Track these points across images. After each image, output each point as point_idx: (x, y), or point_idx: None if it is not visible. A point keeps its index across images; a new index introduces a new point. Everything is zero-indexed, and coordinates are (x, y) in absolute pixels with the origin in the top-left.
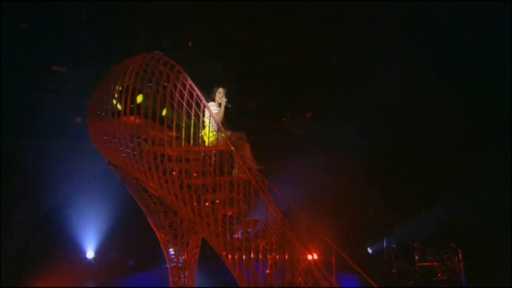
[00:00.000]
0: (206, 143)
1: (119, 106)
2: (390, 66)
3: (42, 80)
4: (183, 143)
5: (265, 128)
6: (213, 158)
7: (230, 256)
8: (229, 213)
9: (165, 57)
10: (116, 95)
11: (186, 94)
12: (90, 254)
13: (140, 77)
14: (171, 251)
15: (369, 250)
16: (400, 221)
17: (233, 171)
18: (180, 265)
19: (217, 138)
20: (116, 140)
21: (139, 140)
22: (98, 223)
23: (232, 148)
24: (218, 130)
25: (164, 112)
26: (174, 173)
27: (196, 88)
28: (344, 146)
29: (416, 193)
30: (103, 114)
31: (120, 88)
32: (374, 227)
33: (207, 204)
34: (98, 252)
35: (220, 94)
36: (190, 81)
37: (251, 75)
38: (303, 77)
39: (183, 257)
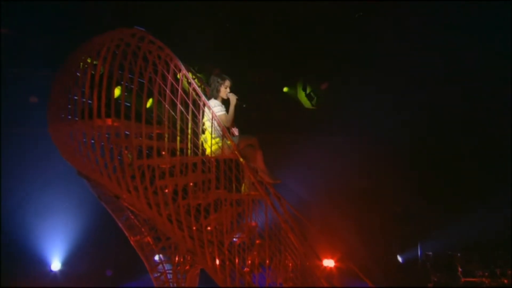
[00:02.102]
0: (207, 152)
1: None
2: (436, 30)
3: None
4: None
5: (270, 102)
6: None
7: None
8: (238, 241)
9: (149, 36)
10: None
11: (179, 89)
12: (55, 266)
13: (118, 61)
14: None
15: (399, 258)
16: (439, 223)
17: (242, 187)
18: (168, 273)
19: (221, 146)
20: (87, 150)
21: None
22: (65, 228)
23: (241, 159)
24: (223, 137)
25: (149, 103)
26: (166, 190)
27: (192, 80)
28: (370, 125)
29: (462, 189)
30: (69, 116)
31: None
32: (405, 228)
33: (209, 228)
34: (66, 263)
35: (226, 87)
36: (184, 70)
37: (252, 35)
38: (318, 38)
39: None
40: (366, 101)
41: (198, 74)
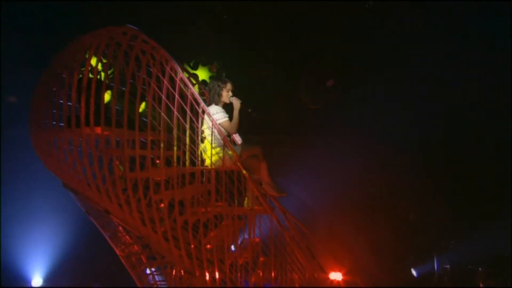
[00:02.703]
0: (207, 163)
1: None
2: (452, 28)
3: None
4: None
5: (271, 101)
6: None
7: None
8: (241, 261)
9: (142, 34)
10: None
11: (176, 94)
12: (37, 282)
13: (109, 62)
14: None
15: (413, 271)
16: (458, 233)
17: (245, 201)
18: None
19: (222, 157)
20: (73, 160)
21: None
22: (48, 240)
23: (244, 172)
24: (224, 146)
25: (142, 107)
26: (162, 205)
27: (189, 84)
28: (381, 126)
29: (484, 196)
30: (53, 122)
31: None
32: (419, 238)
33: (208, 247)
34: (48, 279)
35: (228, 91)
36: (181, 73)
37: (254, 30)
38: (325, 35)
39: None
40: (377, 101)
41: (192, 71)
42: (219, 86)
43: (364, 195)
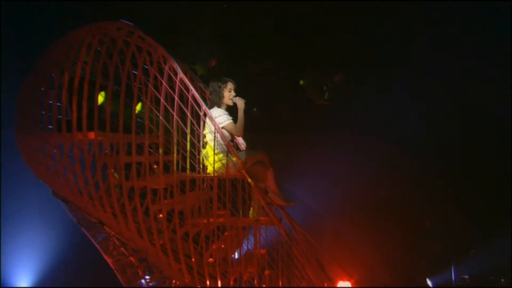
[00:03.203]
0: (209, 170)
1: None
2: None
3: None
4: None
5: (274, 99)
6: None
7: None
8: (246, 277)
9: (139, 31)
10: None
11: (176, 97)
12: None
13: (102, 59)
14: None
15: (428, 282)
16: (478, 240)
17: (250, 212)
18: None
19: (226, 164)
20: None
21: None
22: (36, 242)
23: (249, 180)
24: (228, 153)
25: (138, 108)
26: (160, 216)
27: (190, 85)
28: (394, 125)
29: (506, 201)
30: (41, 125)
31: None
32: (435, 246)
33: (210, 260)
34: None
35: (231, 91)
36: (181, 74)
37: (256, 22)
38: (330, 23)
39: None
40: (391, 99)
41: (192, 66)
42: (219, 86)
43: (375, 200)
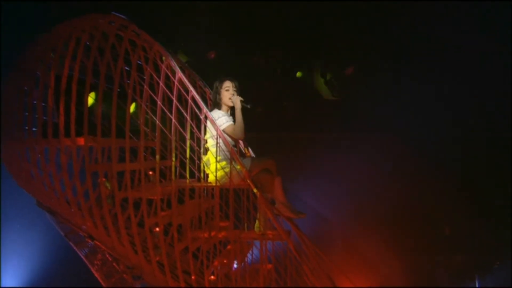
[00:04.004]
0: (210, 179)
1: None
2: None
3: None
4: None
5: (280, 94)
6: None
7: None
8: None
9: (133, 25)
10: None
11: (174, 99)
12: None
13: (92, 56)
14: None
15: None
16: (504, 249)
17: (255, 225)
18: None
19: (229, 172)
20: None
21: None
22: (36, 242)
23: (255, 190)
24: (231, 160)
25: (132, 109)
26: (157, 229)
27: (189, 85)
28: (412, 124)
29: None
30: (25, 128)
31: None
32: (456, 256)
33: (213, 278)
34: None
35: (229, 90)
36: (179, 73)
37: (259, 11)
38: (342, 10)
39: None
40: (409, 94)
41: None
42: (216, 86)
43: (390, 205)
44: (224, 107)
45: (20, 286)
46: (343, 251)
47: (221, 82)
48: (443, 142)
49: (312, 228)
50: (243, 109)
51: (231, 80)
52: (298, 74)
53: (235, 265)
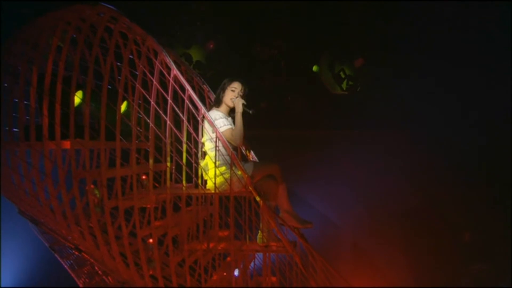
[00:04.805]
0: (209, 186)
1: None
2: None
3: None
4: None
5: (284, 88)
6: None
7: None
8: None
9: (124, 17)
10: None
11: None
12: None
13: (79, 50)
14: None
15: None
16: None
17: (258, 236)
18: None
19: (229, 178)
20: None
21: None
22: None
23: (258, 198)
24: (232, 165)
25: (124, 107)
26: (150, 241)
27: (186, 84)
28: (431, 119)
29: None
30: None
31: None
32: (478, 266)
33: None
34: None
35: (234, 91)
36: (175, 71)
37: None
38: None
39: None
40: (426, 87)
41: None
42: (224, 83)
43: (405, 208)
44: (224, 107)
45: (20, 286)
46: (353, 261)
47: (231, 81)
48: (463, 140)
49: (319, 234)
50: (244, 114)
51: (241, 82)
52: (315, 68)
53: (236, 273)
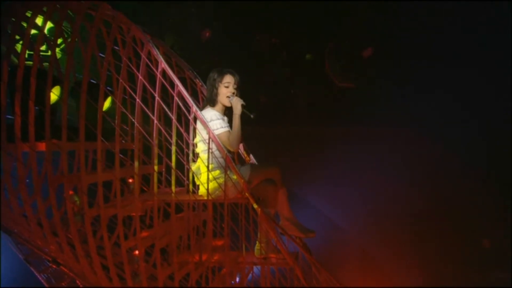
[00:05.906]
0: (201, 191)
1: None
2: None
3: None
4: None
5: (286, 81)
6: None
7: None
8: None
9: (106, 4)
10: None
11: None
12: None
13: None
14: None
15: None
16: None
17: (256, 247)
18: None
19: (223, 184)
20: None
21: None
22: None
23: (255, 205)
24: (227, 168)
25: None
26: (136, 252)
27: (176, 79)
28: (442, 116)
29: None
30: None
31: None
32: (499, 274)
33: None
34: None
35: (228, 87)
36: (164, 64)
37: None
38: None
39: None
40: (434, 82)
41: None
42: (214, 79)
43: (416, 211)
44: (219, 106)
45: (20, 286)
46: (361, 269)
47: (221, 75)
48: (480, 139)
49: (324, 240)
50: (242, 115)
51: (232, 74)
52: (308, 56)
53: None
